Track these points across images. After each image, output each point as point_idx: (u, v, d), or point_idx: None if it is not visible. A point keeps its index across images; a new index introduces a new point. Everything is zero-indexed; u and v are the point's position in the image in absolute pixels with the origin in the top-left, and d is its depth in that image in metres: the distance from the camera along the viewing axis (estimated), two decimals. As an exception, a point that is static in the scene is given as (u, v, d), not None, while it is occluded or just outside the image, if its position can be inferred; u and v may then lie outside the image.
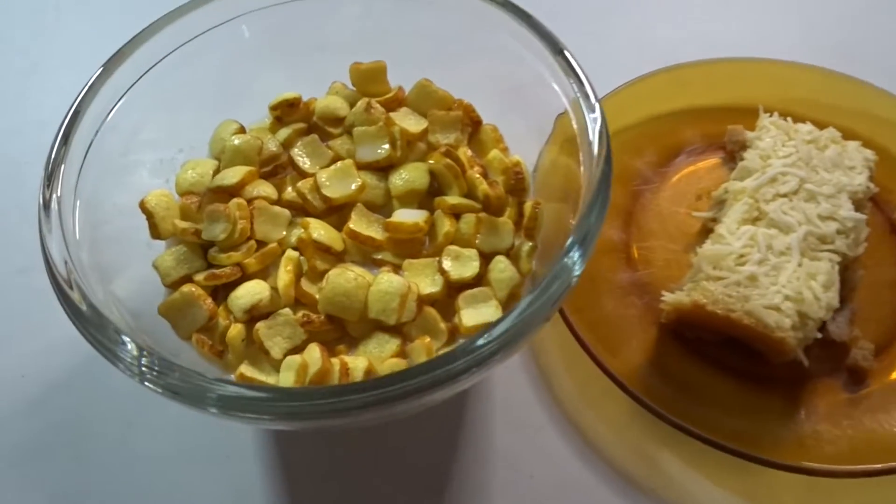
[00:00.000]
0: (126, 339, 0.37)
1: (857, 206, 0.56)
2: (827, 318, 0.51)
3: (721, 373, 0.53)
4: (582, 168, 0.44)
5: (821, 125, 0.61)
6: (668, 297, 0.53)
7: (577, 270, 0.39)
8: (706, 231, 0.59)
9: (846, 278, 0.55)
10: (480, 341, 0.36)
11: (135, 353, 0.37)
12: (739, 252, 0.52)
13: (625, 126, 0.65)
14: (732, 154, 0.64)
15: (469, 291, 0.45)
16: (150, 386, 0.36)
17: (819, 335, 0.51)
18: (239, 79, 0.57)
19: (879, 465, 0.47)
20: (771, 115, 0.61)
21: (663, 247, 0.60)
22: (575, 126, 0.45)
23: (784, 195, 0.55)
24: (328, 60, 0.58)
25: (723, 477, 0.50)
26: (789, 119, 0.61)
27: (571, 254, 0.39)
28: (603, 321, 0.55)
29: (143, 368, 0.36)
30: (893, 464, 0.47)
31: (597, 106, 0.45)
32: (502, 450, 0.52)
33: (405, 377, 0.34)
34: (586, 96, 0.45)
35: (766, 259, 0.52)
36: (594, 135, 0.43)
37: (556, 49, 0.47)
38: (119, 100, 0.48)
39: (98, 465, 0.52)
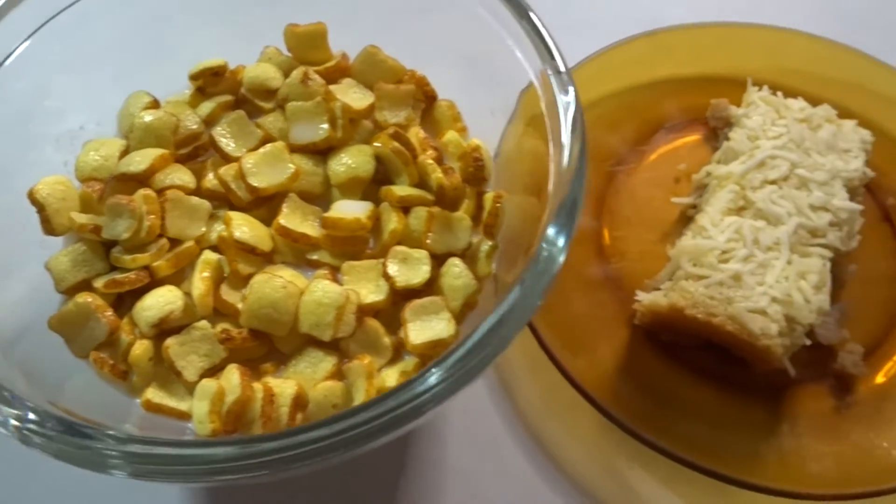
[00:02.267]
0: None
1: (851, 193, 0.51)
2: (818, 322, 0.46)
3: (699, 379, 0.48)
4: (551, 149, 0.38)
5: (813, 100, 0.55)
6: (643, 297, 0.48)
7: (560, 261, 0.34)
8: (686, 219, 0.54)
9: (836, 274, 0.50)
10: (433, 377, 0.31)
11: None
12: (723, 247, 0.47)
13: (599, 98, 0.59)
14: (716, 131, 0.58)
15: (417, 302, 0.39)
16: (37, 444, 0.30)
17: (808, 341, 0.46)
18: (160, 41, 0.50)
19: (867, 489, 0.43)
20: (760, 89, 0.55)
21: (638, 236, 0.54)
22: (543, 103, 0.39)
23: (773, 182, 0.50)
24: (263, 20, 0.50)
25: (699, 499, 0.46)
26: (780, 94, 0.55)
27: (556, 237, 0.34)
28: (569, 322, 0.49)
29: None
30: (883, 486, 0.43)
31: (569, 82, 0.38)
32: (455, 467, 0.47)
33: (317, 431, 0.29)
34: (556, 68, 0.38)
35: (752, 255, 0.47)
36: (566, 114, 0.37)
37: (521, 11, 0.40)
38: (13, 51, 0.40)
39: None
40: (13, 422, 0.31)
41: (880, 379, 0.48)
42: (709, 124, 0.58)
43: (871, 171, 0.52)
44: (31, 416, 0.31)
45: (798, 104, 0.54)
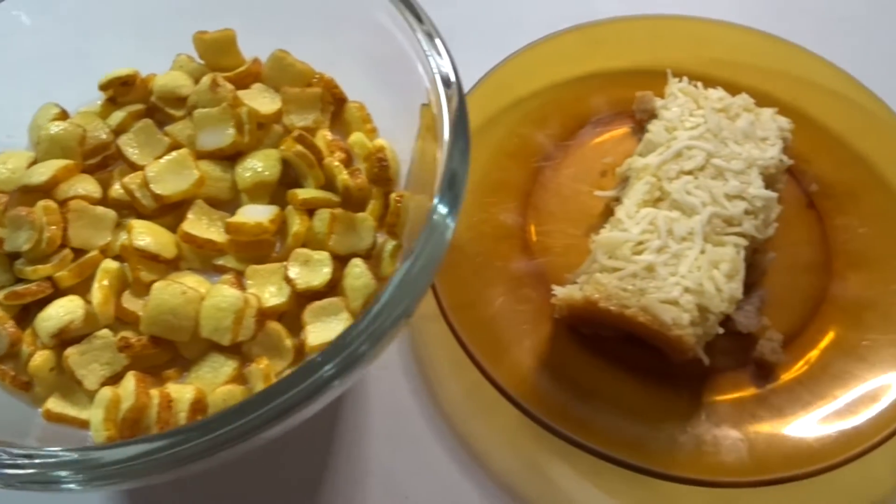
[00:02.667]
0: None
1: (769, 181, 0.51)
2: (730, 311, 0.46)
3: (620, 372, 0.48)
4: (439, 150, 0.38)
5: (740, 89, 0.55)
6: (559, 291, 0.48)
7: (448, 226, 0.35)
8: (610, 212, 0.54)
9: (755, 262, 0.51)
10: (325, 357, 0.31)
11: None
12: (638, 239, 0.47)
13: (527, 94, 0.59)
14: (642, 124, 0.58)
15: (317, 303, 0.39)
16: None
17: (721, 330, 0.46)
18: (75, 50, 0.50)
19: (779, 475, 0.43)
20: (680, 80, 0.55)
21: (563, 231, 0.54)
22: (434, 108, 0.39)
23: (689, 172, 0.50)
24: (176, 29, 0.50)
25: (620, 490, 0.46)
26: (699, 84, 0.55)
27: (439, 206, 0.35)
28: (491, 319, 0.49)
29: None
30: (795, 472, 0.43)
31: (455, 87, 0.38)
32: (378, 467, 0.47)
33: (198, 429, 0.29)
34: (444, 75, 0.39)
35: (666, 246, 0.47)
36: (449, 113, 0.38)
37: (416, 17, 0.40)
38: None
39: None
40: None
41: (799, 365, 0.48)
42: (635, 118, 0.59)
43: (788, 158, 0.52)
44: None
45: (717, 94, 0.54)
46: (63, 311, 0.38)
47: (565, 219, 0.55)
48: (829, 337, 0.49)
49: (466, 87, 0.56)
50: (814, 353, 0.49)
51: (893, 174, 0.54)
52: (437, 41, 0.40)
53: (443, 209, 0.35)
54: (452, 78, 0.38)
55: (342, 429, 0.48)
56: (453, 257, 0.50)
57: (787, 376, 0.48)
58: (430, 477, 0.47)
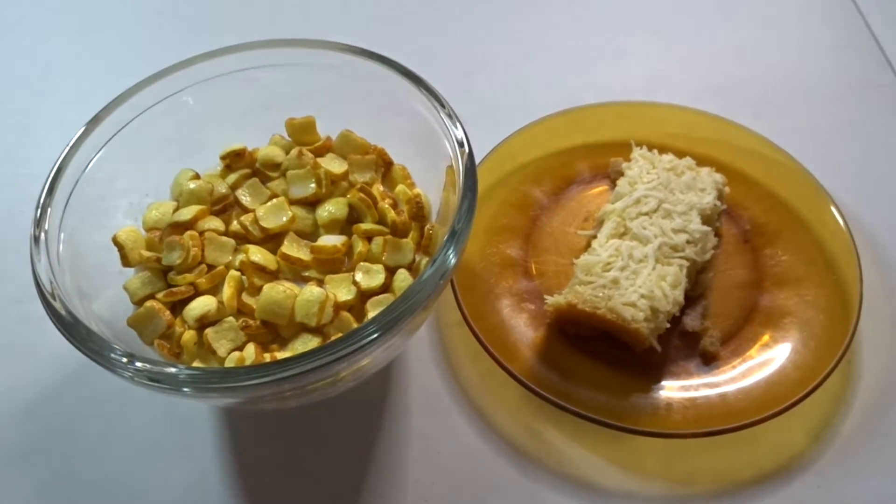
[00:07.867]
0: (104, 340, 0.48)
1: (707, 220, 0.68)
2: (674, 311, 0.62)
3: (596, 360, 0.64)
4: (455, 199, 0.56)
5: (687, 153, 0.73)
6: (549, 299, 0.64)
7: (452, 261, 0.50)
8: (589, 246, 0.71)
9: (699, 280, 0.67)
10: (371, 326, 0.47)
11: (109, 348, 0.47)
12: (606, 261, 0.64)
13: (528, 161, 0.78)
14: (614, 182, 0.76)
15: (376, 297, 0.57)
16: (128, 374, 0.46)
17: (668, 325, 0.62)
18: (197, 135, 0.69)
19: (714, 428, 0.58)
20: (641, 148, 0.74)
21: (554, 261, 0.71)
22: (454, 170, 0.57)
23: (646, 213, 0.67)
24: (271, 117, 0.70)
25: (597, 446, 0.61)
26: (655, 151, 0.73)
27: (447, 247, 0.50)
28: (500, 324, 0.66)
29: (115, 359, 0.47)
30: (725, 426, 0.58)
31: (469, 158, 0.56)
32: (417, 430, 0.62)
33: (304, 357, 0.45)
34: (461, 150, 0.56)
35: (627, 266, 0.64)
36: (463, 177, 0.55)
37: (440, 104, 0.59)
38: (94, 155, 0.60)
39: (84, 459, 0.62)
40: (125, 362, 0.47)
41: (733, 357, 0.64)
42: (610, 177, 0.77)
43: (722, 203, 0.70)
44: (138, 364, 0.47)
45: (668, 157, 0.72)
46: (203, 304, 0.56)
47: (556, 252, 0.72)
48: (758, 336, 0.65)
49: (480, 156, 0.76)
50: (745, 348, 0.64)
51: (808, 215, 0.71)
52: (455, 120, 0.58)
53: (448, 248, 0.51)
54: (466, 146, 0.56)
55: (390, 404, 0.64)
56: (472, 280, 0.68)
57: (723, 364, 0.64)
58: (455, 439, 0.62)
